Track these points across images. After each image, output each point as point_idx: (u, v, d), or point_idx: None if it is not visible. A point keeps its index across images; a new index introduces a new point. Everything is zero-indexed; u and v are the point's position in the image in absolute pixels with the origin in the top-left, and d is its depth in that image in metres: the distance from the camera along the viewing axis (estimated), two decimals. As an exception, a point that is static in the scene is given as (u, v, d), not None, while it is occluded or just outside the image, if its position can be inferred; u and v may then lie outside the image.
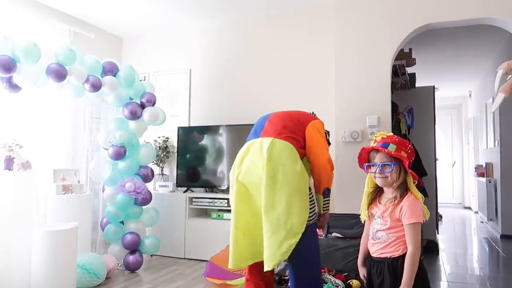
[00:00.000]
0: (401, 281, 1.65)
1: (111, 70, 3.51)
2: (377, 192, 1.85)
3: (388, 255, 1.73)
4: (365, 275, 1.88)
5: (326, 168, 2.27)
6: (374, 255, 1.80)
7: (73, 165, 3.94)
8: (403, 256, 1.68)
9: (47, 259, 2.77)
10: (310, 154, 2.28)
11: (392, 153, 1.70)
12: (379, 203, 1.81)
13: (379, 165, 1.74)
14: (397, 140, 1.75)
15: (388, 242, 1.74)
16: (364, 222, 1.92)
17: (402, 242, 1.70)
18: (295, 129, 2.28)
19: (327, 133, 2.74)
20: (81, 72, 3.19)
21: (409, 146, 1.76)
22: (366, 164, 1.81)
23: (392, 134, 1.81)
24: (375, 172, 1.76)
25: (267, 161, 2.13)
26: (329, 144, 2.64)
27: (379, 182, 1.77)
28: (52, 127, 3.88)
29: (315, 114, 2.55)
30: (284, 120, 2.31)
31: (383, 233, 1.75)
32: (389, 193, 1.78)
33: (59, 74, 3.05)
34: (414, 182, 1.75)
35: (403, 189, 1.74)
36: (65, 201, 3.34)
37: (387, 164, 1.72)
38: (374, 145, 1.77)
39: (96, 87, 3.32)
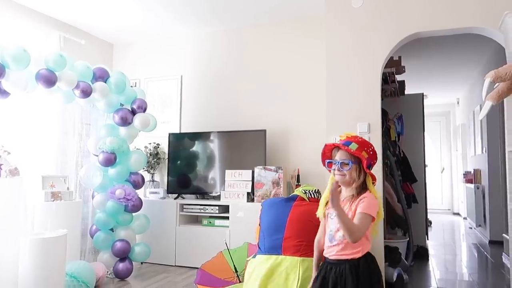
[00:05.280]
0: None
1: (101, 76, 3.50)
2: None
3: (348, 257, 1.74)
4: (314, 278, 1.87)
5: None
6: (332, 257, 1.79)
7: (62, 171, 3.90)
8: (363, 257, 1.72)
9: (35, 267, 2.72)
10: None
11: (352, 151, 1.75)
12: None
13: (339, 162, 1.78)
14: (360, 140, 1.80)
15: (346, 242, 1.72)
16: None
17: (360, 242, 1.71)
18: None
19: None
20: (71, 78, 3.17)
21: (372, 148, 1.80)
22: (327, 161, 1.84)
23: (357, 135, 1.85)
24: (335, 169, 1.80)
25: None
26: None
27: (338, 179, 1.80)
28: (41, 133, 3.84)
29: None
30: (305, 225, 2.28)
31: (341, 233, 1.74)
32: (347, 192, 1.81)
33: (49, 80, 3.03)
34: (373, 183, 1.78)
35: (362, 188, 1.78)
36: (53, 208, 3.29)
37: (346, 162, 1.76)
38: (337, 142, 1.81)
39: (86, 93, 3.30)
